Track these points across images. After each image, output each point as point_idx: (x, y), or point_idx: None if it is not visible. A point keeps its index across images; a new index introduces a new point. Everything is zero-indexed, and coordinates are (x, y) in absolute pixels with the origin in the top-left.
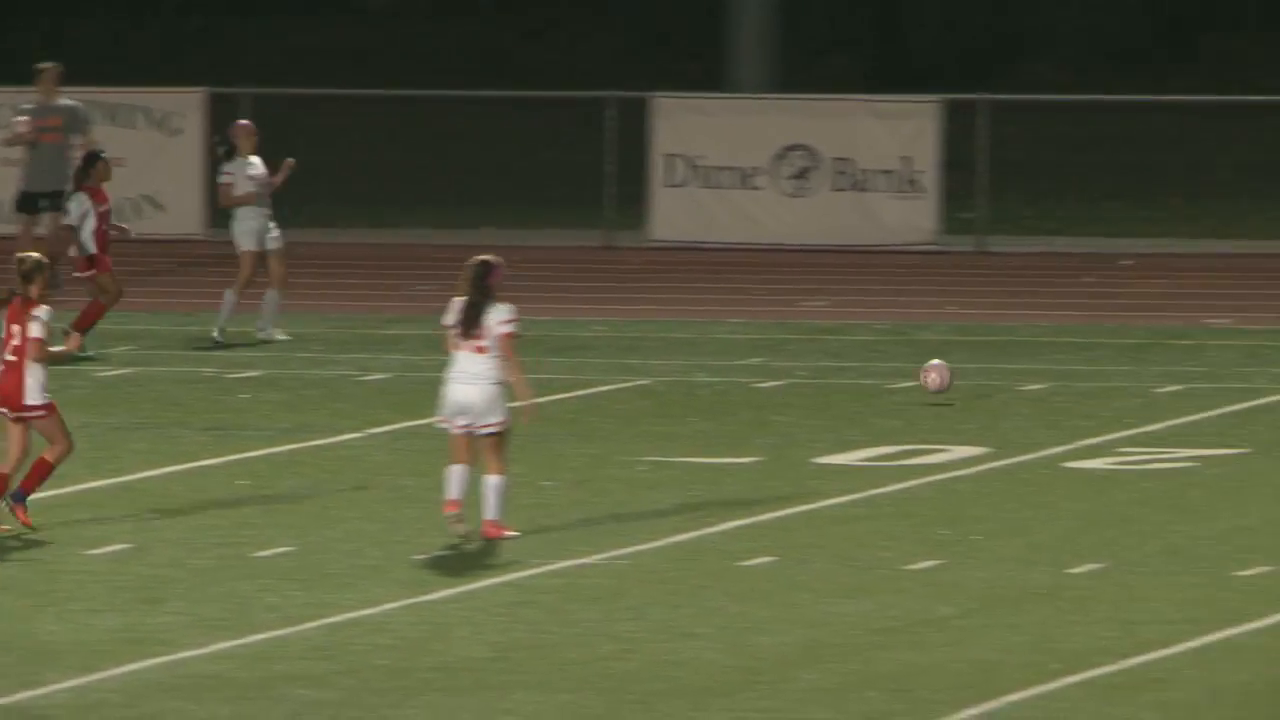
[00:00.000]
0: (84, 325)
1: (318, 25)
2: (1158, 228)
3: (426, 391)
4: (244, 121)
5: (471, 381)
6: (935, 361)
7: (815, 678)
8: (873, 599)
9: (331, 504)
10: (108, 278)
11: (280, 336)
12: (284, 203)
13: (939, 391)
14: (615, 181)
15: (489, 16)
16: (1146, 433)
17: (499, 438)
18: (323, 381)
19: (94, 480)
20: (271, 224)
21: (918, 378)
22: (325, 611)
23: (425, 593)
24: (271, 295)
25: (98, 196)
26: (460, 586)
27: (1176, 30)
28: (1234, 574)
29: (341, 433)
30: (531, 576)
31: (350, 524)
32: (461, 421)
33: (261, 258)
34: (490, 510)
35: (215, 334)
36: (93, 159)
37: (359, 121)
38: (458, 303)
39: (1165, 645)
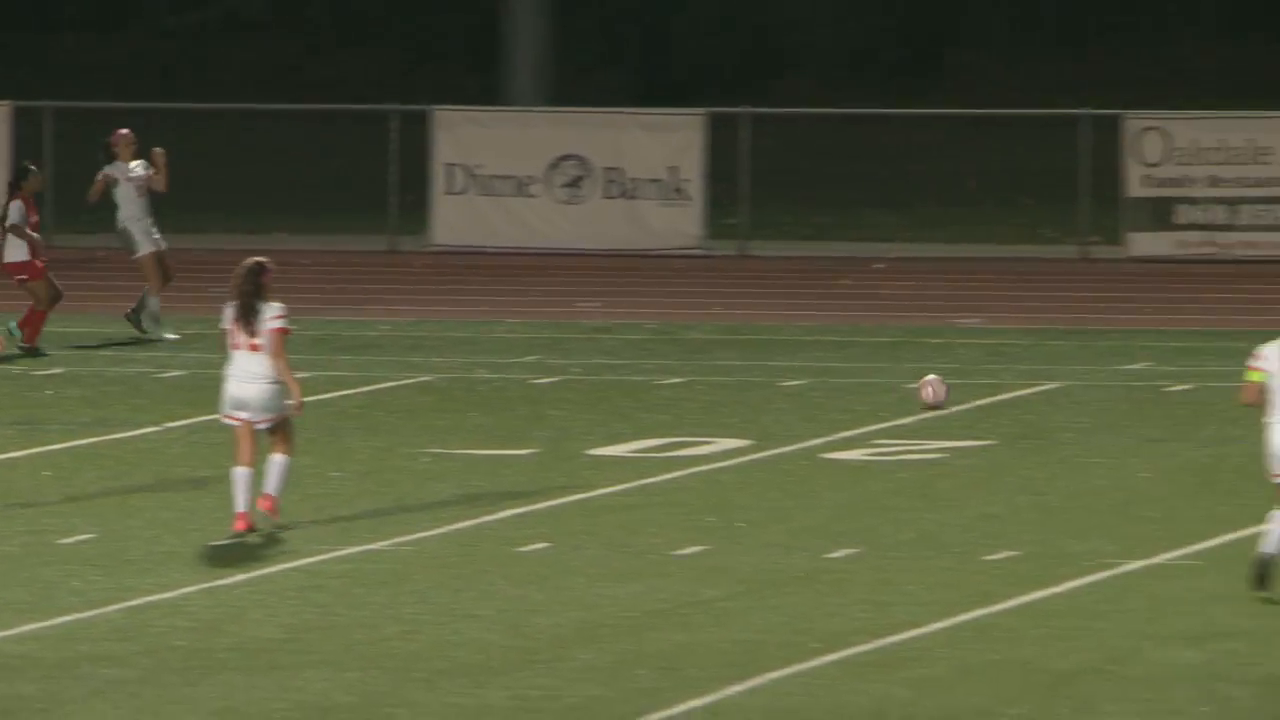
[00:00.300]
0: (30, 334)
1: (117, 41)
2: (908, 233)
3: (220, 387)
4: (124, 131)
5: (249, 380)
6: (930, 376)
7: (589, 657)
8: (643, 582)
9: (131, 494)
10: (41, 284)
11: (170, 336)
12: (86, 212)
13: (935, 406)
14: (399, 190)
15: (280, 34)
16: (899, 426)
17: (283, 424)
18: (123, 379)
19: None
20: (154, 227)
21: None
22: (126, 595)
23: (220, 577)
24: (148, 294)
25: (29, 206)
26: (254, 571)
27: (924, 48)
28: (982, 559)
29: (141, 426)
30: (321, 562)
31: (149, 512)
32: (241, 415)
33: (159, 257)
34: (271, 485)
35: (169, 335)
36: (24, 172)
37: (158, 135)
38: (233, 304)
39: (917, 626)
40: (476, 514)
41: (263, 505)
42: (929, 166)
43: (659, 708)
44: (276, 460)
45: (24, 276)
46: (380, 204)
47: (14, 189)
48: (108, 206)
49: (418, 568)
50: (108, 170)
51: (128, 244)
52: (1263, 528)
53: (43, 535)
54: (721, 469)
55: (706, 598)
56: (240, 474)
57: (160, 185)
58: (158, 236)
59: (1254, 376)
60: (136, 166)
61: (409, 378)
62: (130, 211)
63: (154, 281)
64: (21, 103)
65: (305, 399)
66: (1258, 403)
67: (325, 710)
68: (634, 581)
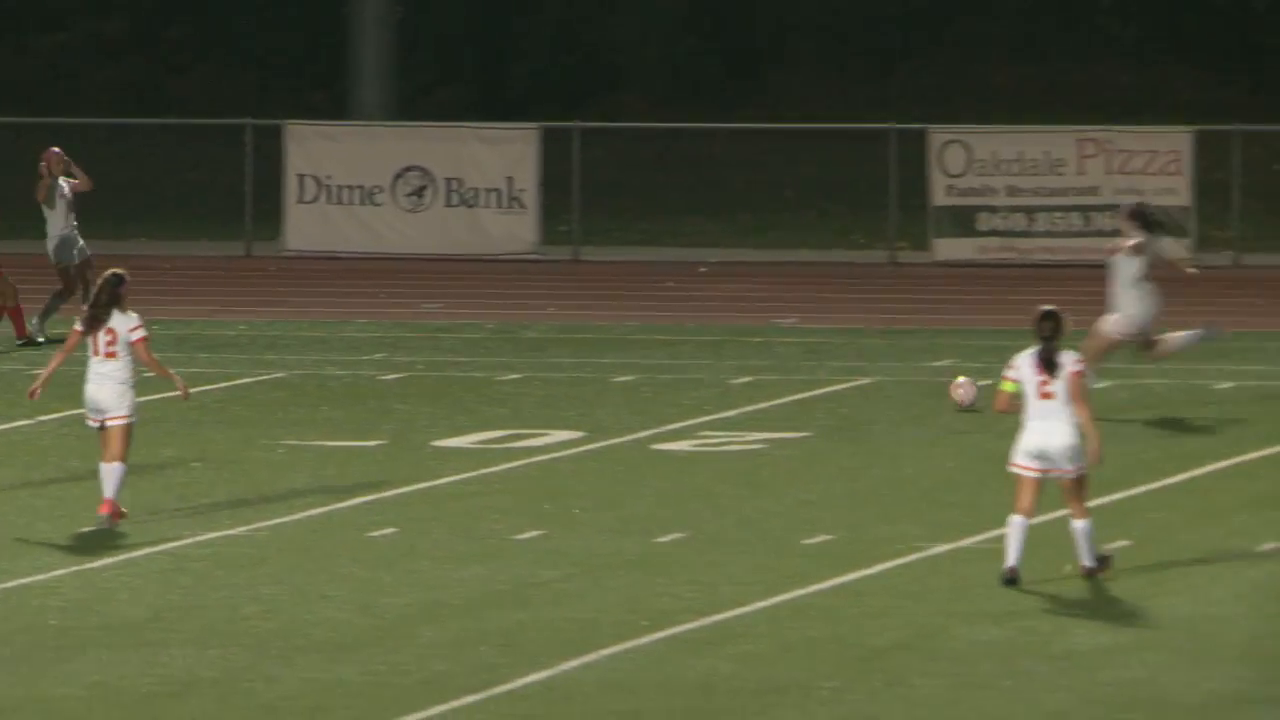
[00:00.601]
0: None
1: None
2: (731, 239)
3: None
4: (55, 149)
5: (102, 381)
6: (962, 379)
7: (435, 634)
8: (485, 565)
9: (6, 482)
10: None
11: (40, 339)
12: None
13: (968, 407)
14: (254, 199)
15: (142, 55)
16: (723, 418)
17: (124, 429)
18: None
19: None
20: (79, 239)
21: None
22: (2, 578)
23: (90, 561)
24: (56, 301)
25: None
26: (121, 555)
27: (746, 67)
28: (800, 542)
29: (14, 420)
30: (184, 546)
31: (22, 500)
32: (97, 417)
33: (82, 267)
34: (109, 490)
35: (40, 338)
36: None
37: (28, 149)
38: (91, 310)
39: (741, 605)
40: (329, 501)
41: (103, 510)
42: (749, 177)
43: (500, 682)
44: (113, 468)
45: None
46: (237, 212)
47: None
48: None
49: (275, 552)
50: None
51: (55, 254)
52: (1040, 519)
53: None
54: (557, 459)
55: (544, 579)
56: (104, 466)
57: (87, 185)
58: (82, 244)
59: (1006, 387)
60: (63, 182)
61: (265, 374)
62: (59, 224)
63: (67, 287)
64: None
65: (169, 395)
66: (1010, 410)
67: (189, 684)
68: (476, 564)
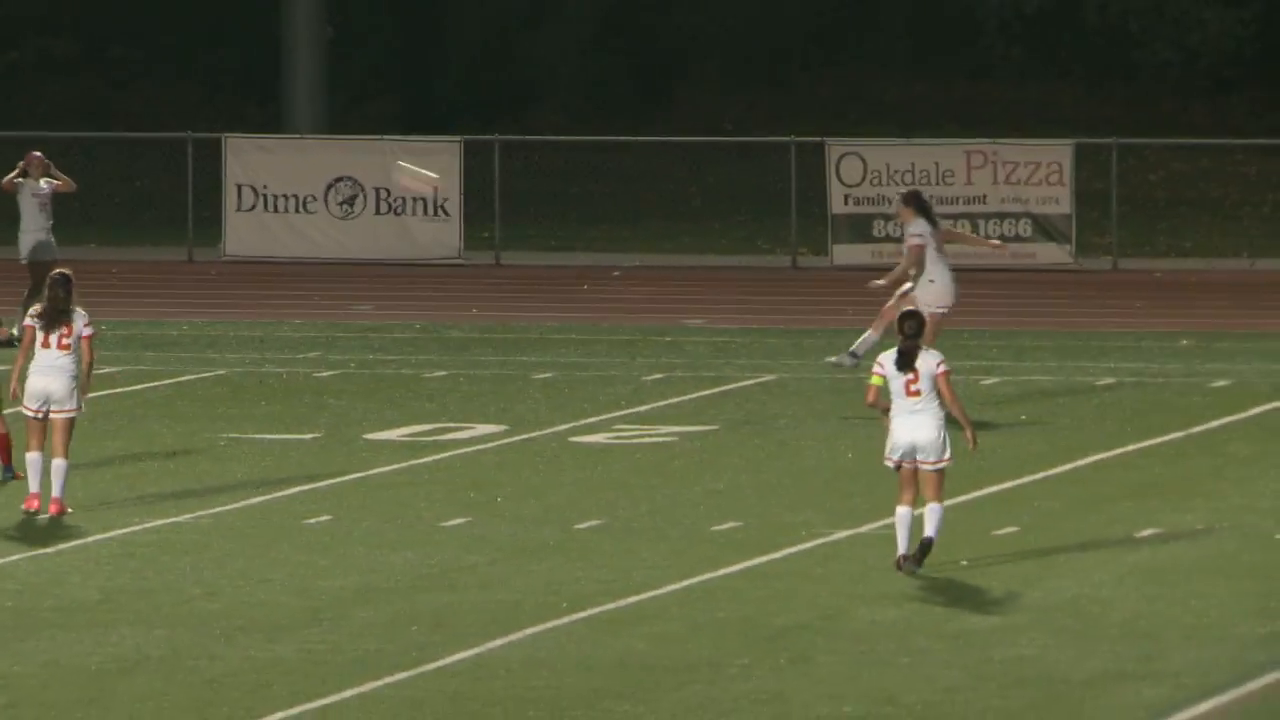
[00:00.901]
0: None
1: None
2: (642, 245)
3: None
4: (36, 153)
5: (55, 374)
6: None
7: (368, 615)
8: (415, 550)
9: None
10: None
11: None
12: None
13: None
14: (195, 207)
15: (89, 72)
16: (636, 413)
17: (68, 423)
18: None
19: None
20: (51, 238)
21: None
22: None
23: (44, 547)
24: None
25: None
26: (73, 541)
27: (657, 83)
28: (710, 529)
29: None
30: (132, 532)
31: None
32: (38, 405)
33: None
34: (56, 489)
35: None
36: None
37: None
38: (41, 307)
39: (654, 588)
40: (268, 491)
41: (53, 510)
42: (660, 187)
43: (430, 659)
44: (58, 465)
45: None
46: (180, 220)
47: None
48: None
49: (217, 538)
50: (18, 180)
51: (27, 251)
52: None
53: None
54: (482, 451)
55: (470, 563)
56: (32, 457)
57: (68, 187)
58: (55, 246)
59: (874, 381)
60: (44, 184)
61: (207, 372)
62: (31, 224)
63: (38, 285)
64: None
65: (116, 390)
66: (877, 404)
67: (137, 662)
68: (407, 549)
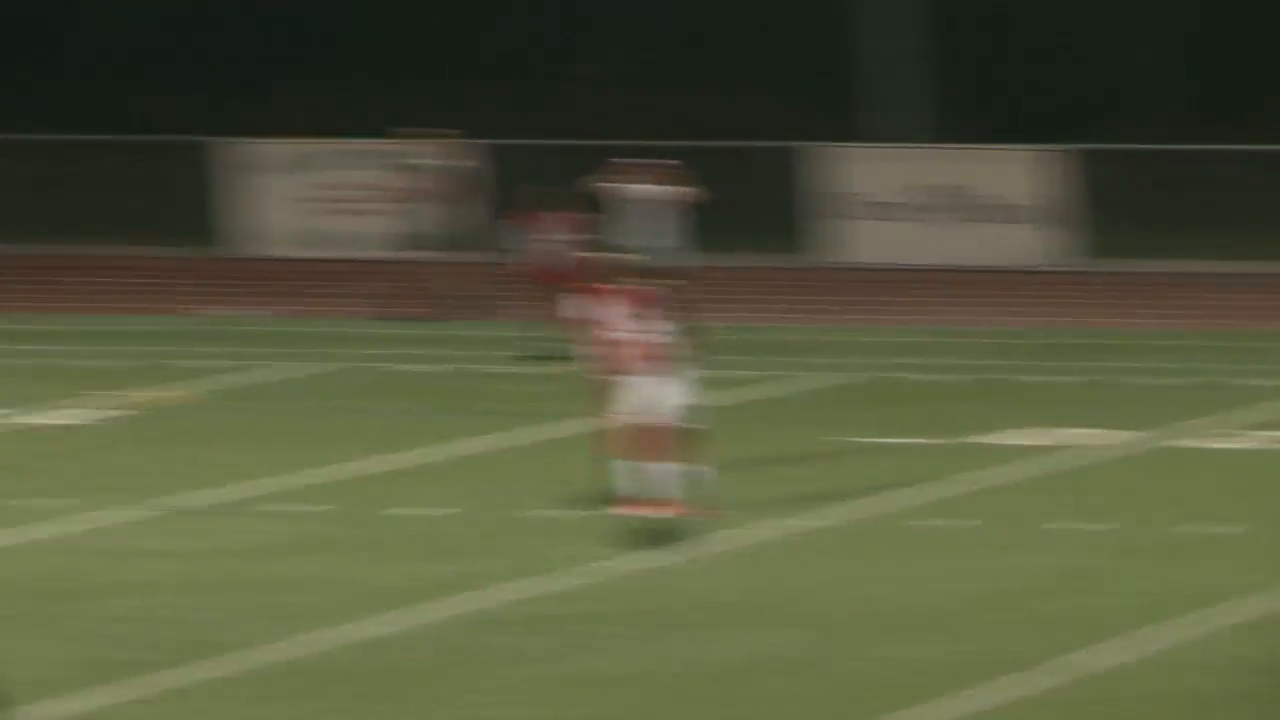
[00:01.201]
0: None
1: None
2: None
3: None
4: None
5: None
6: None
7: (1002, 617)
8: (1042, 554)
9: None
10: None
11: None
12: None
13: None
14: (798, 216)
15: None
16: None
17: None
18: None
19: None
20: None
21: None
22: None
23: (682, 549)
24: None
25: None
26: (709, 544)
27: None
28: None
29: None
30: (767, 535)
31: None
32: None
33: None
34: (676, 492)
35: None
36: None
37: None
38: None
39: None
40: (890, 493)
41: (676, 511)
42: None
43: (1077, 662)
44: (676, 469)
45: None
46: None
47: None
48: None
49: (847, 541)
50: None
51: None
52: None
53: None
54: (1112, 457)
55: (1100, 567)
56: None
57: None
58: None
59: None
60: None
61: (828, 378)
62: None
63: None
64: None
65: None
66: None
67: (772, 662)
68: (1040, 553)
